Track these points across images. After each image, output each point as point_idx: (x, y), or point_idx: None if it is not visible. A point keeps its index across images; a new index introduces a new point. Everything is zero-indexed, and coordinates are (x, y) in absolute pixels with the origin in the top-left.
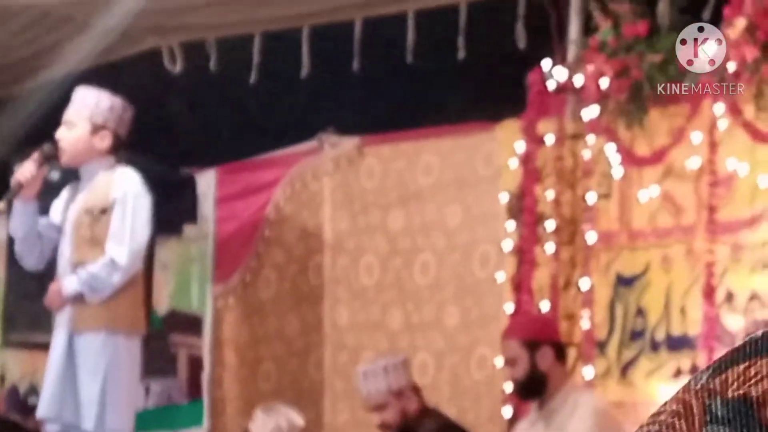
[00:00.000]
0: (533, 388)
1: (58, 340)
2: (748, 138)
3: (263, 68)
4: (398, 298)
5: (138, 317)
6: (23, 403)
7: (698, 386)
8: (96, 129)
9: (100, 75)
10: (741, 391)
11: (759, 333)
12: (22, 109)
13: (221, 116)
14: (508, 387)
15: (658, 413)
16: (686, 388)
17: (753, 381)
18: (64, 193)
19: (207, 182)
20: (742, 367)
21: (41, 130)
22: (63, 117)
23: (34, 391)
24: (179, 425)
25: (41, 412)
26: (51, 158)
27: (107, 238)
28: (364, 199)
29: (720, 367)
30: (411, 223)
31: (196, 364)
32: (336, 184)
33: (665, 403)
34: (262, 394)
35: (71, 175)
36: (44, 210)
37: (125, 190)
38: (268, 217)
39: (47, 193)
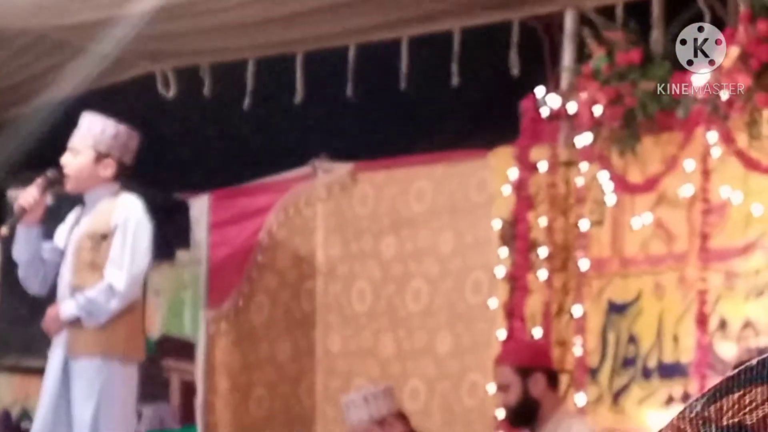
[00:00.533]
0: (525, 415)
1: (54, 363)
2: (741, 166)
3: (257, 94)
4: (390, 324)
5: (135, 343)
6: (16, 427)
7: (693, 414)
8: (100, 157)
9: (94, 100)
10: (736, 419)
11: (754, 361)
12: (17, 133)
13: (215, 141)
14: (500, 413)
15: None
16: (681, 416)
17: (748, 409)
18: (69, 218)
19: (200, 208)
20: (737, 395)
21: (36, 154)
22: (69, 143)
23: (26, 415)
24: None
25: None
26: (55, 184)
27: (107, 263)
28: (356, 225)
29: (715, 395)
30: (403, 250)
31: (188, 389)
32: (329, 210)
33: (660, 430)
34: (254, 420)
35: (76, 201)
36: (48, 235)
37: (127, 216)
38: (261, 242)
39: (51, 219)
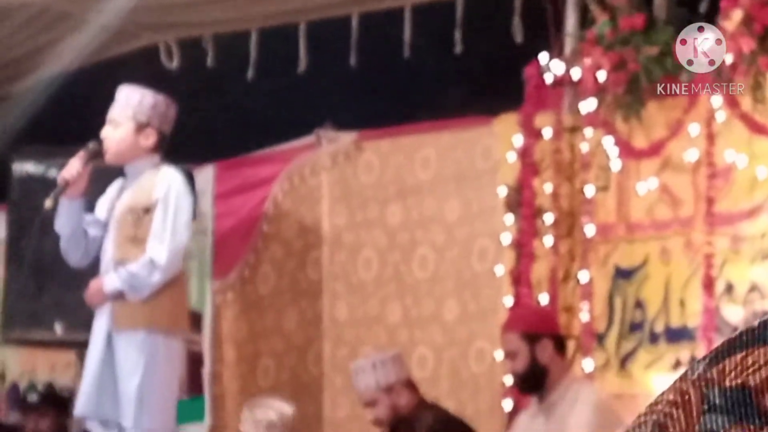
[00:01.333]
0: (533, 381)
1: (98, 336)
2: (746, 130)
3: (260, 64)
4: (397, 292)
5: (179, 317)
6: (23, 400)
7: (695, 376)
8: (140, 127)
9: (97, 72)
10: (739, 380)
11: (756, 322)
12: (20, 107)
13: (219, 112)
14: (508, 380)
15: (655, 403)
16: (683, 378)
17: (751, 370)
18: (111, 191)
19: (205, 178)
20: (739, 356)
21: (40, 128)
22: (108, 116)
23: (33, 388)
24: (180, 421)
25: (79, 409)
26: (97, 156)
27: (149, 237)
28: (362, 194)
29: (717, 356)
30: (409, 218)
31: (195, 360)
32: (334, 179)
33: (662, 393)
34: (261, 390)
35: (117, 173)
36: (90, 207)
37: (168, 190)
38: (267, 212)
39: (94, 191)
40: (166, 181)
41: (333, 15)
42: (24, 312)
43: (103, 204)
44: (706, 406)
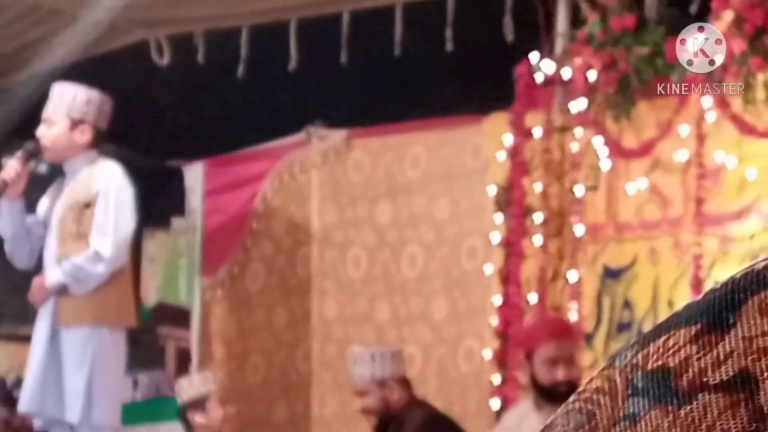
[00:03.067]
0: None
1: (40, 332)
2: (736, 131)
3: (251, 61)
4: (386, 290)
5: (125, 310)
6: (9, 395)
7: (623, 362)
8: (75, 124)
9: (87, 68)
10: (660, 362)
11: (680, 307)
12: (10, 102)
13: (209, 109)
14: (496, 379)
15: (582, 391)
16: (610, 365)
17: (671, 352)
18: (50, 190)
19: (195, 175)
20: (662, 339)
21: (29, 123)
22: (42, 114)
23: (20, 383)
24: (167, 418)
25: (23, 406)
26: (35, 155)
27: (91, 231)
28: (351, 191)
29: (643, 342)
30: (399, 216)
31: (184, 357)
32: (324, 176)
33: (589, 381)
34: (250, 387)
35: (58, 171)
36: (31, 207)
37: (107, 183)
38: (256, 209)
39: (34, 190)
40: (104, 175)
41: (324, 12)
42: (12, 307)
43: (43, 203)
44: (630, 391)
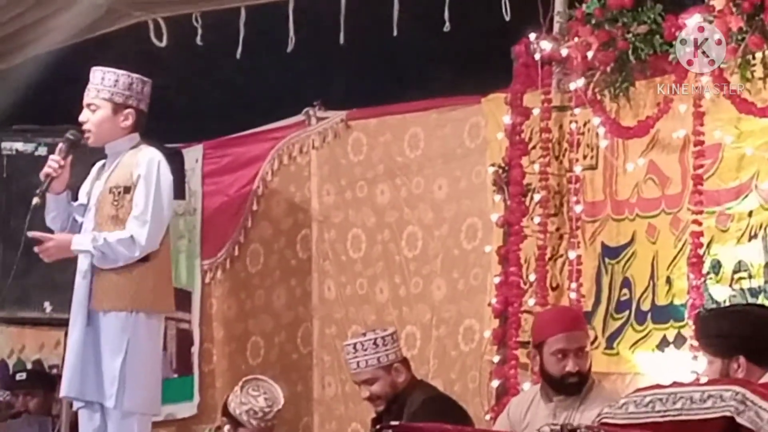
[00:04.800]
0: (583, 383)
1: (77, 317)
2: (734, 108)
3: (249, 43)
4: (385, 271)
5: (163, 296)
6: (12, 378)
7: None
8: (118, 108)
9: (87, 50)
10: None
11: None
12: (9, 85)
13: (208, 91)
14: (496, 358)
15: None
16: None
17: None
18: (92, 173)
19: (194, 157)
20: None
21: (29, 106)
22: (84, 100)
23: (22, 365)
24: (169, 400)
25: (63, 391)
26: (76, 145)
27: (129, 216)
28: (351, 172)
29: None
30: (398, 197)
31: (185, 338)
32: (323, 158)
33: None
34: (251, 368)
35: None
36: (75, 196)
37: (149, 170)
38: (256, 191)
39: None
40: (146, 161)
41: None
42: (14, 291)
43: (84, 187)
44: None
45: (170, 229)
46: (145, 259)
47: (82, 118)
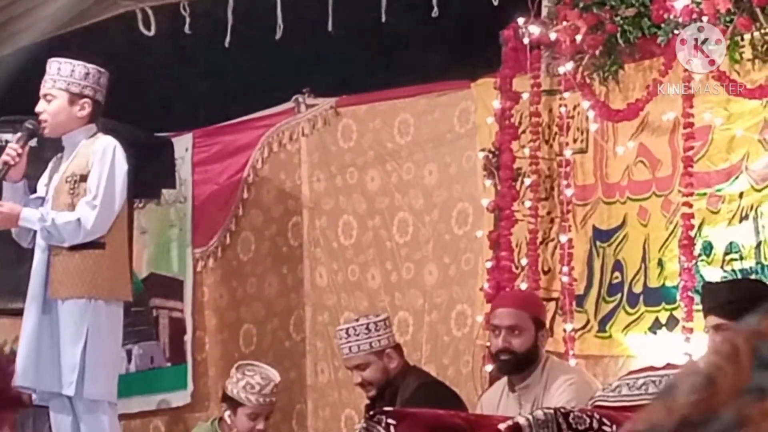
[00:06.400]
0: (524, 363)
1: (32, 305)
2: (723, 90)
3: (238, 30)
4: (377, 257)
5: (121, 283)
6: (5, 369)
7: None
8: (74, 98)
9: (74, 40)
10: None
11: None
12: None
13: (196, 79)
14: (486, 344)
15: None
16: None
17: None
18: (50, 165)
19: (184, 146)
20: None
21: (15, 98)
22: (40, 90)
23: (15, 356)
24: (162, 389)
25: (19, 380)
26: (34, 134)
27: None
28: (341, 159)
29: None
30: (388, 183)
31: (177, 327)
32: (313, 145)
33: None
34: (243, 356)
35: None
36: (34, 186)
37: (103, 157)
38: (246, 179)
39: (35, 168)
40: (101, 149)
41: None
42: (6, 281)
43: (42, 180)
44: (757, 362)
45: (155, 218)
46: (100, 246)
47: (38, 108)
